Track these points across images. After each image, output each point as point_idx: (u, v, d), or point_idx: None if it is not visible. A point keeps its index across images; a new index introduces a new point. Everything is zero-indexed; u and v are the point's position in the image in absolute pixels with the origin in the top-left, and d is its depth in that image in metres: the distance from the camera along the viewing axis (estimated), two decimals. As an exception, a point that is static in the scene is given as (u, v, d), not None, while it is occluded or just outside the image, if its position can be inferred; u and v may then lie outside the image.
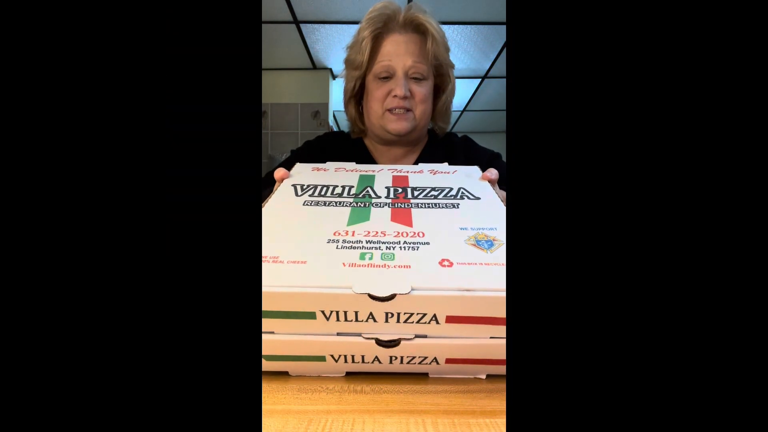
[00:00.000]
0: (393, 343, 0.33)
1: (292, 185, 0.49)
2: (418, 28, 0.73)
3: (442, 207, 0.43)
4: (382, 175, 0.52)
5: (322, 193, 0.46)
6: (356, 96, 0.80)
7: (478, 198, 0.45)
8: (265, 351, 0.34)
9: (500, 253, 0.35)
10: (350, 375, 0.37)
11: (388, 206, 0.43)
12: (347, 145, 0.83)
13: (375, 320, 0.32)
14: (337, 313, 0.32)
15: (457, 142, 0.85)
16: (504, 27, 2.44)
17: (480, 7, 2.22)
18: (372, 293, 0.30)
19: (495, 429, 0.28)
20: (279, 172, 0.52)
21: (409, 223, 0.39)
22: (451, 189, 0.47)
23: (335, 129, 3.40)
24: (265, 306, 0.31)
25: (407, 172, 0.53)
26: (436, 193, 0.46)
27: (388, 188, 0.48)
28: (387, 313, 0.31)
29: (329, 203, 0.44)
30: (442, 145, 0.85)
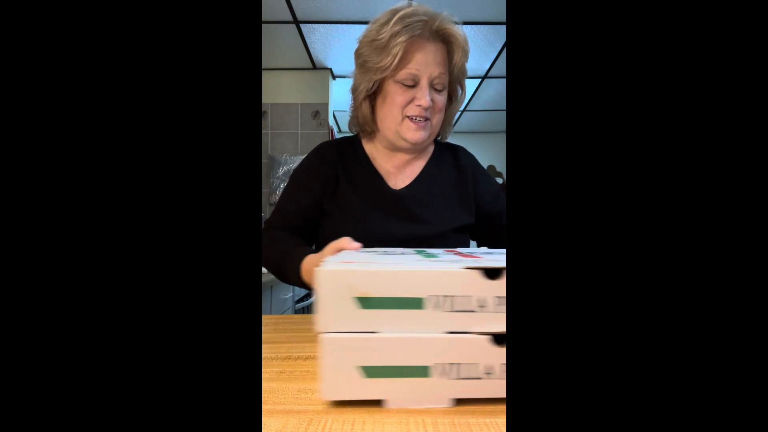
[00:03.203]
0: None
1: (360, 249, 0.49)
2: (446, 39, 0.72)
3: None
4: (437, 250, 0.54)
5: (387, 253, 0.47)
6: (370, 96, 0.77)
7: None
8: (365, 360, 0.31)
9: None
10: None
11: (453, 254, 0.43)
12: (348, 155, 0.80)
13: (487, 309, 0.30)
14: (446, 299, 0.30)
15: (466, 161, 0.83)
16: (504, 27, 2.43)
17: (480, 7, 2.22)
18: (484, 266, 0.30)
19: (495, 429, 0.28)
20: (339, 244, 0.52)
21: (480, 257, 0.39)
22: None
23: (335, 129, 3.40)
24: (372, 290, 0.30)
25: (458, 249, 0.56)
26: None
27: (446, 252, 0.48)
28: (496, 299, 0.30)
29: (395, 255, 0.43)
30: (448, 154, 0.84)
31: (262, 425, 0.28)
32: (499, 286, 0.31)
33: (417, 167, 0.80)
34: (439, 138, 0.84)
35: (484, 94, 3.45)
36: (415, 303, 0.30)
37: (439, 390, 0.31)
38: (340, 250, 0.52)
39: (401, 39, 0.68)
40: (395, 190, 0.77)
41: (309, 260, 0.61)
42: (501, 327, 0.31)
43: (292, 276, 0.64)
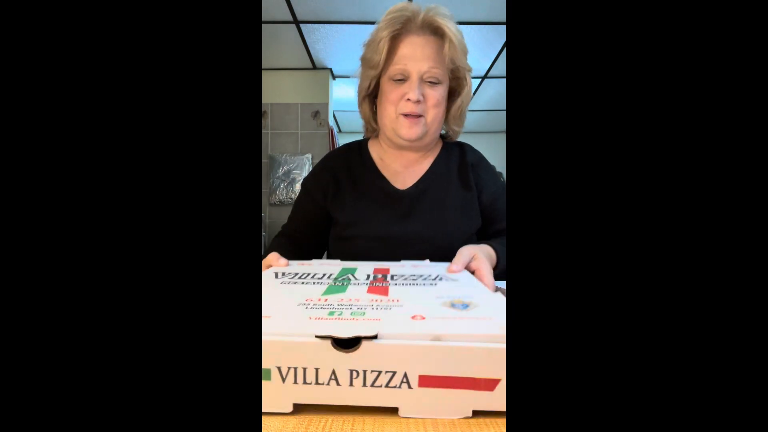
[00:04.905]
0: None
1: (274, 272, 0.50)
2: (436, 31, 0.71)
3: (420, 285, 0.44)
4: (365, 265, 0.55)
5: (302, 277, 0.47)
6: (370, 95, 0.79)
7: (457, 280, 0.47)
8: None
9: (474, 312, 0.34)
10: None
11: (366, 284, 0.43)
12: (354, 159, 0.81)
13: (338, 383, 0.29)
14: (296, 371, 0.29)
15: (471, 158, 0.83)
16: (504, 27, 2.44)
17: (480, 7, 2.22)
18: (335, 335, 0.28)
19: (495, 429, 0.28)
20: (267, 260, 0.57)
21: (385, 293, 0.39)
22: (431, 275, 0.49)
23: (335, 129, 3.40)
24: None
25: (389, 265, 0.56)
26: (415, 277, 0.48)
27: (368, 275, 0.49)
28: (351, 372, 0.29)
29: (306, 283, 0.44)
30: (455, 151, 0.84)
31: (262, 425, 0.28)
32: (357, 357, 0.28)
33: (424, 166, 0.81)
34: (447, 134, 0.84)
35: (484, 94, 3.45)
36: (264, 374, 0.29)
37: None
38: (268, 267, 0.55)
39: (384, 34, 0.70)
40: (400, 190, 0.78)
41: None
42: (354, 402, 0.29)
43: None
